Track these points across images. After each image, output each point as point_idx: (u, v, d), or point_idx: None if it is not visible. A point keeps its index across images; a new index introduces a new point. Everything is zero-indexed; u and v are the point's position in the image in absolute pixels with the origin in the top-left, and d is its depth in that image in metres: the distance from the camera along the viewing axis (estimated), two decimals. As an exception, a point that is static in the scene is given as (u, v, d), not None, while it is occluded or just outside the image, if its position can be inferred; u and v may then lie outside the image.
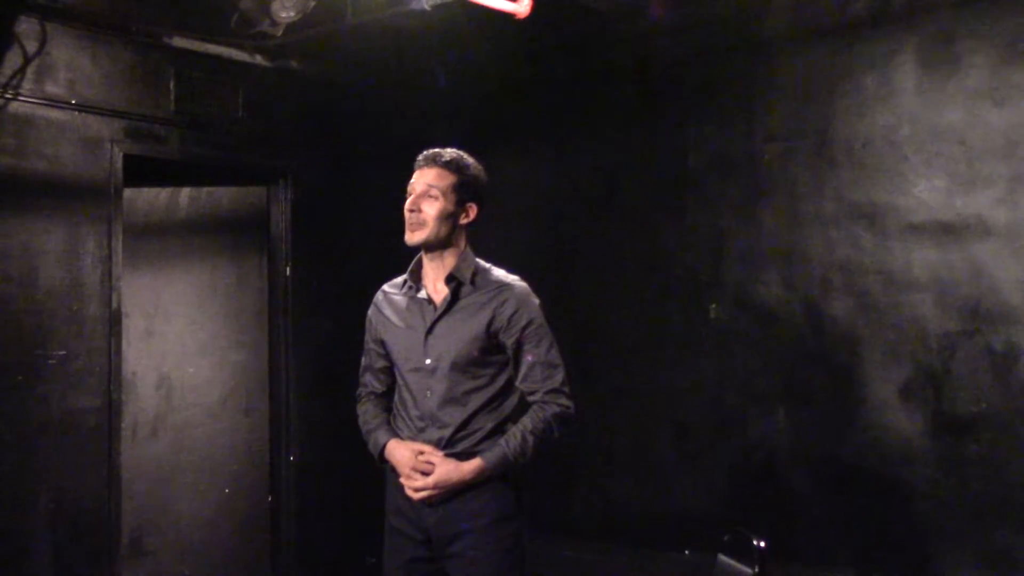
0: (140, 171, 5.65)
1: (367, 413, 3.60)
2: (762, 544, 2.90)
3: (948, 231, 4.98)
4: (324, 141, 6.31)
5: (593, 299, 6.16)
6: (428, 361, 3.39)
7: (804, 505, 5.36)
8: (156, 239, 5.98)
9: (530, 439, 3.33)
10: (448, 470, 3.26)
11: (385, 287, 3.65)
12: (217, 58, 5.76)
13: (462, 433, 3.34)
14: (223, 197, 6.17)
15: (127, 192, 5.58)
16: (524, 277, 3.60)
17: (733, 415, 5.62)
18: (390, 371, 3.58)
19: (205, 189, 6.11)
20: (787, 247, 5.46)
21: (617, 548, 5.93)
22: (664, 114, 5.94)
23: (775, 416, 5.47)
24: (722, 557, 3.16)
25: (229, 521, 6.03)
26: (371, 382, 3.64)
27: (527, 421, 3.36)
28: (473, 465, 3.28)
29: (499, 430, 3.38)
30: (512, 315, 3.39)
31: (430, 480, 3.26)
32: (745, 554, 3.04)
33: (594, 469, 6.10)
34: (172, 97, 5.59)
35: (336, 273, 6.33)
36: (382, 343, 3.57)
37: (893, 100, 5.13)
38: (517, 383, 3.43)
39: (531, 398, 3.42)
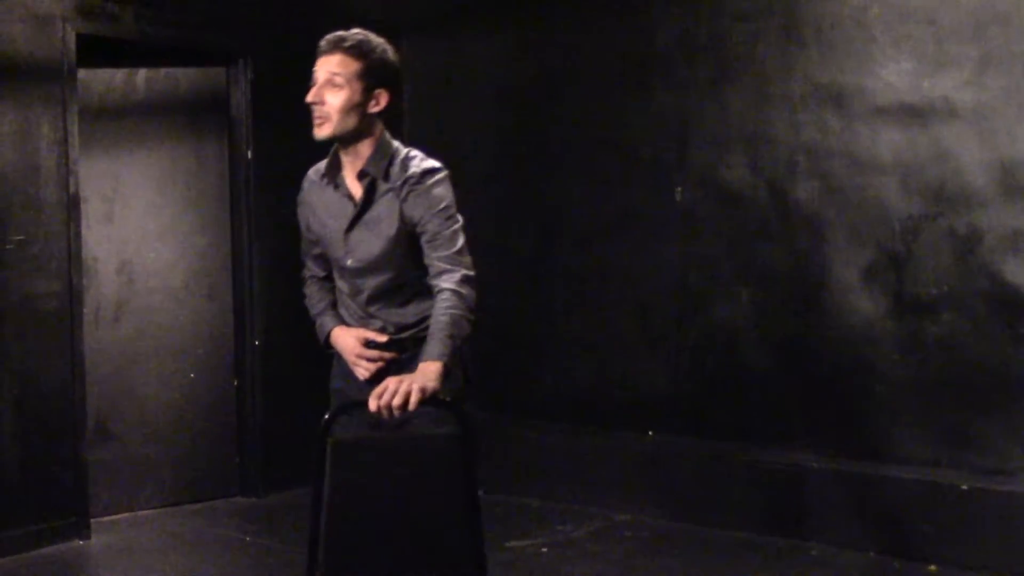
0: (94, 51, 5.51)
1: (312, 297, 3.52)
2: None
3: (914, 113, 4.95)
4: (286, 20, 6.16)
5: (558, 182, 6.12)
6: (350, 262, 3.29)
7: (765, 386, 5.43)
8: (113, 122, 5.85)
9: (462, 316, 3.10)
10: (414, 388, 2.89)
11: (310, 173, 3.49)
12: (171, -68, 5.59)
13: (404, 323, 3.28)
14: (181, 78, 6.04)
15: (81, 73, 5.45)
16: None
17: (696, 297, 5.65)
18: (327, 257, 3.45)
19: (163, 70, 5.97)
20: (753, 129, 5.43)
21: (581, 430, 6.01)
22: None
23: (738, 298, 5.51)
24: None
25: (195, 404, 6.05)
26: (311, 266, 3.54)
27: (448, 298, 3.11)
28: (434, 370, 2.98)
29: None
30: (425, 206, 3.20)
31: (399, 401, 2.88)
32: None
33: (558, 352, 6.14)
34: (125, -27, 5.43)
35: (299, 155, 6.16)
36: (312, 231, 3.45)
37: (863, -21, 5.06)
38: (426, 259, 3.21)
39: (439, 267, 3.18)
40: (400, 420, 2.94)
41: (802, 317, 5.31)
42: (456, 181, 3.31)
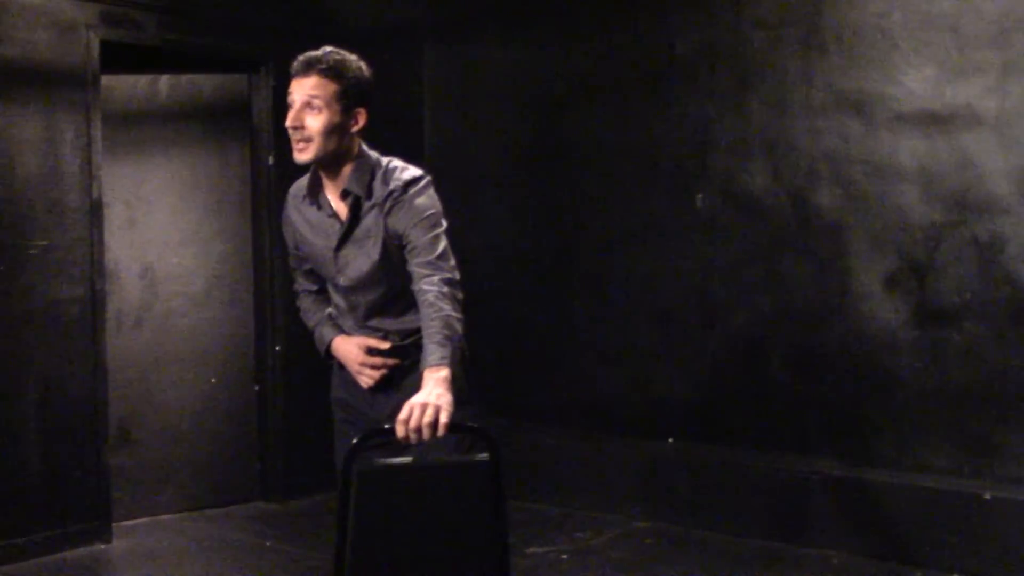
0: (118, 58, 5.55)
1: (307, 310, 3.49)
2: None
3: (936, 121, 4.94)
4: (307, 27, 6.18)
5: (579, 189, 6.12)
6: (342, 280, 3.28)
7: (786, 394, 5.41)
8: (136, 127, 5.88)
9: (451, 316, 3.06)
10: (442, 408, 2.85)
11: (291, 192, 3.44)
12: (194, -60, 5.62)
13: (404, 330, 3.26)
14: (204, 85, 6.07)
15: (105, 79, 5.49)
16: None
17: (717, 304, 5.64)
18: (317, 272, 3.43)
19: (185, 76, 6.00)
20: (774, 137, 5.42)
21: (601, 437, 6.00)
22: (651, 0, 5.84)
23: (759, 306, 5.49)
24: None
25: (216, 409, 6.07)
26: (303, 281, 3.51)
27: (434, 301, 3.07)
28: (442, 378, 2.93)
29: None
30: (408, 217, 3.18)
31: (429, 422, 2.82)
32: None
33: (578, 358, 6.14)
34: (148, -19, 5.47)
35: (319, 162, 6.25)
36: (300, 248, 3.42)
37: (885, -14, 5.05)
38: (408, 267, 3.20)
39: (420, 273, 3.16)
40: (425, 444, 2.86)
41: (823, 324, 5.30)
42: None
